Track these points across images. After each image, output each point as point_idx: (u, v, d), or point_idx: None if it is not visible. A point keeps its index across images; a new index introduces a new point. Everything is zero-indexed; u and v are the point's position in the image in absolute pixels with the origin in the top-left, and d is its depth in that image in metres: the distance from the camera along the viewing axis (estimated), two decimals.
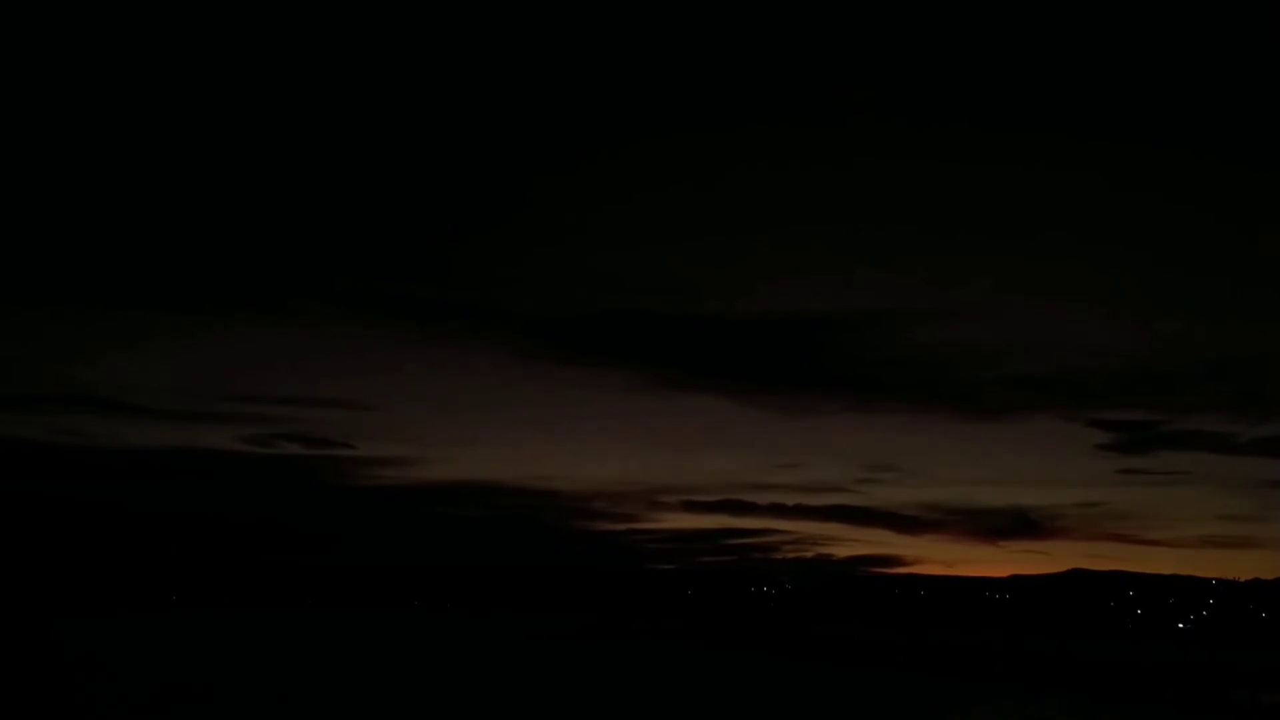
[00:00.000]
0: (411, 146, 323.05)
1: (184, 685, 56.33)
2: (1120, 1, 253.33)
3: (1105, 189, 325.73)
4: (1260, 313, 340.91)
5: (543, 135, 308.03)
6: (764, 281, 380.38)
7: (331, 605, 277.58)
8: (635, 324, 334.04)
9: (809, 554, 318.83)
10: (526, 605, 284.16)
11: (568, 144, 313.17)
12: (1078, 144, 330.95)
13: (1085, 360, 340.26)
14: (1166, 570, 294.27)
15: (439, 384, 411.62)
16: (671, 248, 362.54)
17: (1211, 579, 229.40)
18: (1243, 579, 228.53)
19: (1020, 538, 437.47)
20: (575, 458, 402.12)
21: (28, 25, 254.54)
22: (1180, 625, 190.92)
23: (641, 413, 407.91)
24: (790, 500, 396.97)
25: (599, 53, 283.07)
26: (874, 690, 61.75)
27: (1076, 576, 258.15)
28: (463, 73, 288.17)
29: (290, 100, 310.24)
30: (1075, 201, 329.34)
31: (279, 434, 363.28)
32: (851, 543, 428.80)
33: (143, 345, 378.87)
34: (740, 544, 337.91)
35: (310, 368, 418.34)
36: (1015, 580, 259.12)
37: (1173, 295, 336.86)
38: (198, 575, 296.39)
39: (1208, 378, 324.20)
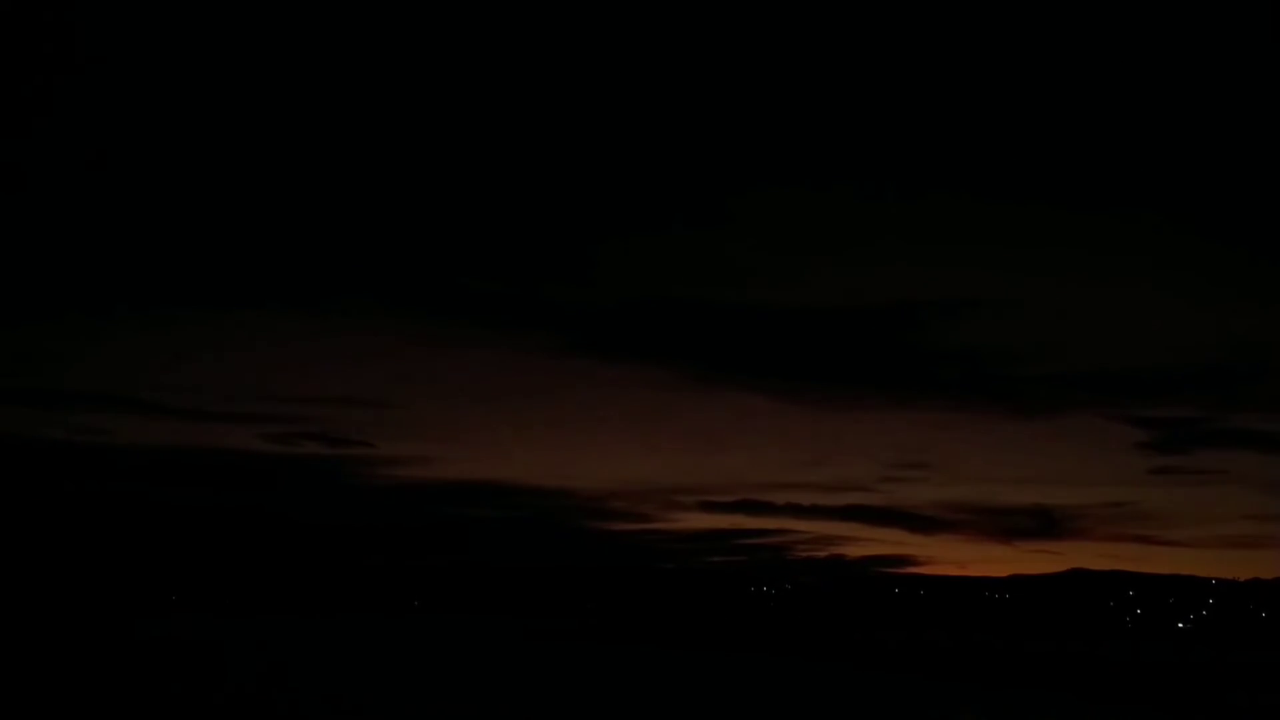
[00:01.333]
0: (431, 145, 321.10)
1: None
2: None
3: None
4: None
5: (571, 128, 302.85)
6: (809, 270, 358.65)
7: (331, 606, 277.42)
8: (666, 314, 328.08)
9: (822, 554, 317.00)
10: (520, 606, 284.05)
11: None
12: None
13: (1139, 356, 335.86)
14: (1183, 570, 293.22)
15: (462, 381, 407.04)
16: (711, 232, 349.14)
17: (1211, 579, 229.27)
18: (1243, 579, 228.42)
19: (1039, 538, 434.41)
20: (597, 456, 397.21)
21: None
22: (1180, 625, 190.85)
23: (670, 410, 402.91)
24: (812, 499, 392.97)
25: (631, 44, 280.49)
26: (866, 691, 61.52)
27: (1076, 576, 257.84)
28: (477, 64, 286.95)
29: (289, 99, 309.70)
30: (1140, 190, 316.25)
31: (300, 432, 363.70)
32: (867, 542, 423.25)
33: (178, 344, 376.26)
34: (751, 544, 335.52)
35: (335, 366, 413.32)
36: (1015, 580, 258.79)
37: (1241, 290, 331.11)
38: (198, 575, 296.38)
39: (1260, 375, 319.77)
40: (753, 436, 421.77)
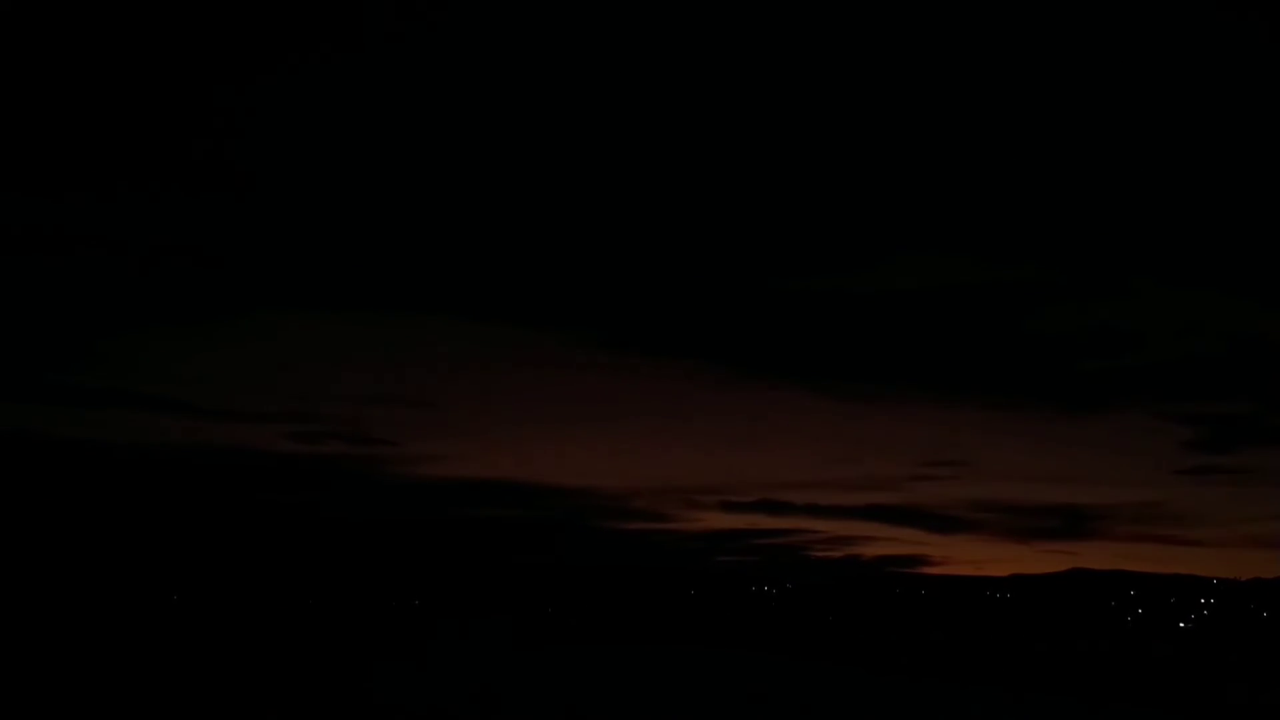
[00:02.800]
0: (452, 145, 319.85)
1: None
2: None
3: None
4: None
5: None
6: (856, 258, 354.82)
7: (329, 606, 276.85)
8: (700, 305, 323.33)
9: (838, 554, 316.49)
10: (513, 606, 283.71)
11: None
12: None
13: (1200, 348, 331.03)
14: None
15: (486, 380, 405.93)
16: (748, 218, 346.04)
17: (1212, 578, 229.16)
18: (1244, 578, 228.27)
19: (1060, 539, 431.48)
20: (623, 455, 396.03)
21: None
22: (1180, 625, 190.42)
23: (700, 407, 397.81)
24: (838, 498, 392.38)
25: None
26: (851, 691, 61.17)
27: (1076, 576, 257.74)
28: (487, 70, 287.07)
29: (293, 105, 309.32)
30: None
31: (325, 431, 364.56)
32: (887, 542, 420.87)
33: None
34: (765, 544, 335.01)
35: (363, 363, 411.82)
36: (1015, 580, 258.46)
37: None
38: (198, 575, 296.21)
39: None
40: (785, 434, 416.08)
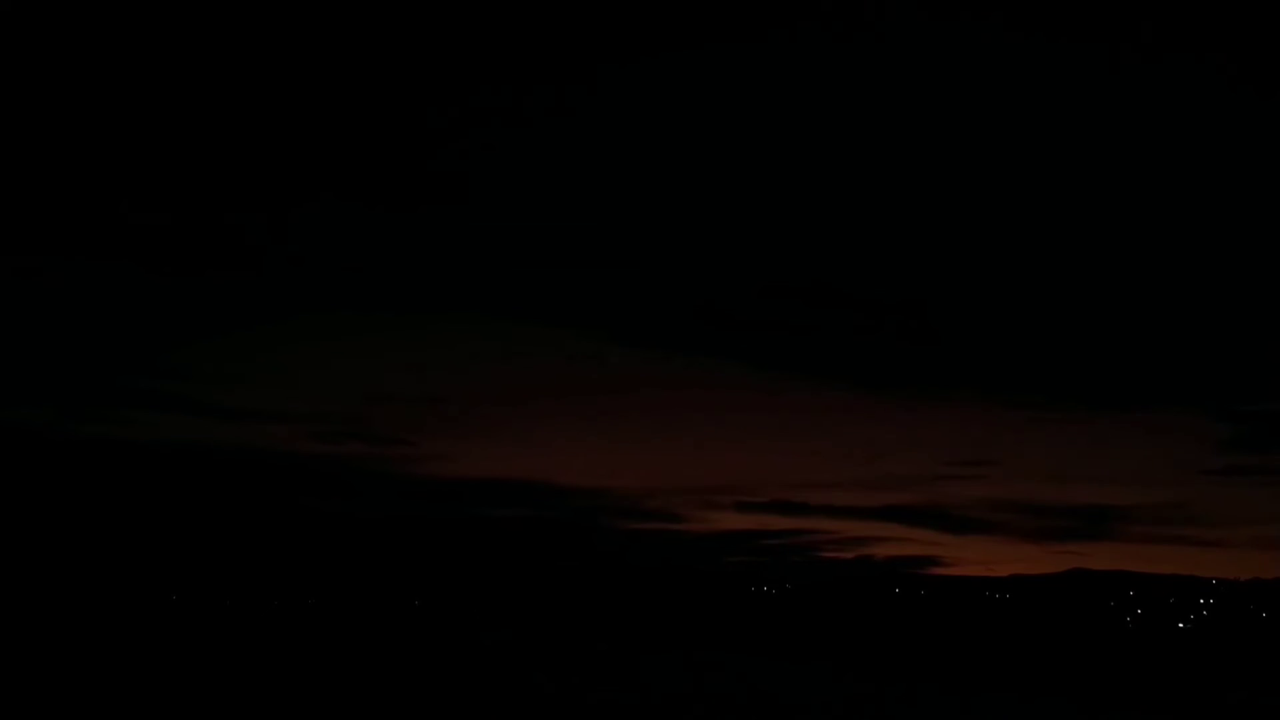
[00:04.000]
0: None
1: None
2: None
3: None
4: None
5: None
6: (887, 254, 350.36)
7: (331, 604, 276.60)
8: (732, 302, 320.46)
9: (849, 555, 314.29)
10: (509, 606, 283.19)
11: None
12: None
13: (1248, 346, 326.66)
14: (1201, 572, 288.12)
15: (511, 378, 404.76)
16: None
17: (1212, 578, 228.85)
18: (1243, 578, 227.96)
19: (1080, 539, 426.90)
20: (641, 455, 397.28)
21: None
22: (1180, 625, 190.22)
23: (722, 406, 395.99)
24: (853, 499, 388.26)
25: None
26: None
27: (1076, 576, 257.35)
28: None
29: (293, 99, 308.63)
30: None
31: (344, 431, 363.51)
32: (901, 542, 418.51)
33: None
34: (775, 545, 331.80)
35: (384, 364, 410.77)
36: (1014, 580, 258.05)
37: None
38: (199, 575, 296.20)
39: None
40: (806, 433, 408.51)
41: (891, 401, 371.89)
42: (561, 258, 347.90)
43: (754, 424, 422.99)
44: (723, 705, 51.18)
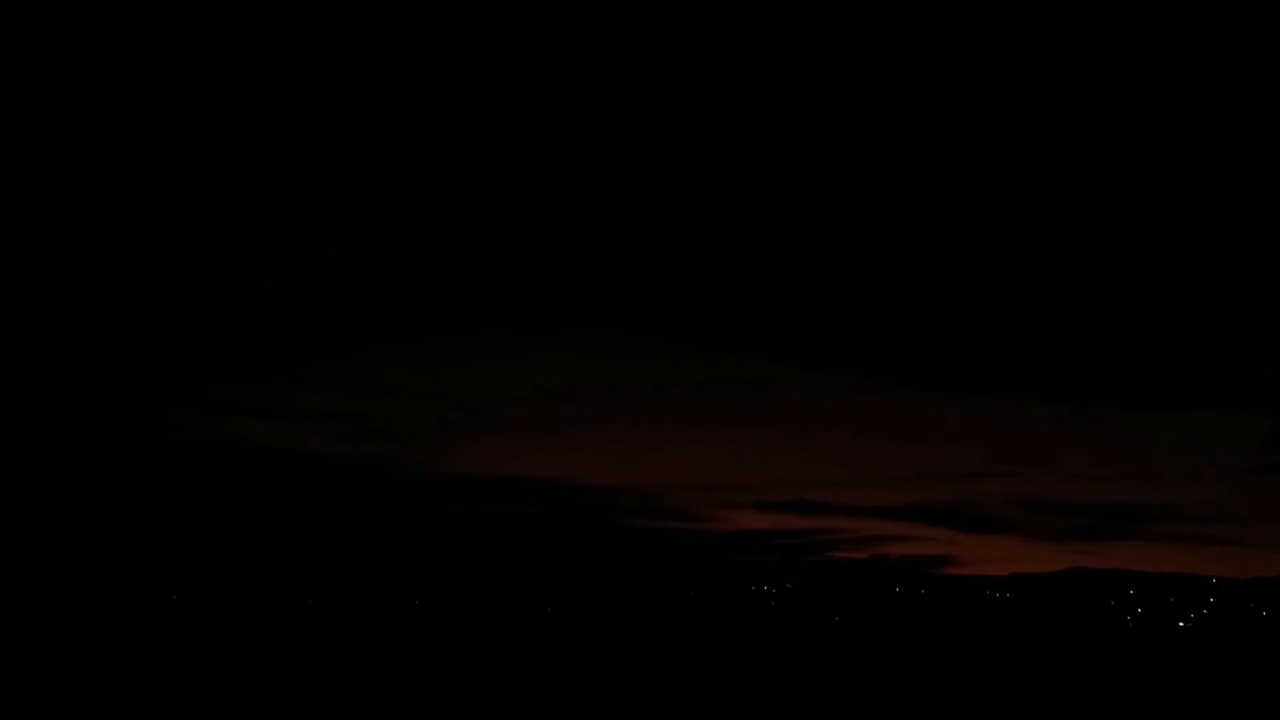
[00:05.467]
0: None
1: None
2: None
3: None
4: None
5: None
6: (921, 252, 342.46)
7: (331, 604, 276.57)
8: (763, 291, 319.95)
9: (863, 554, 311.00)
10: (508, 607, 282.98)
11: None
12: None
13: None
14: (1201, 571, 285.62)
15: (539, 380, 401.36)
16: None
17: (1212, 577, 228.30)
18: (1243, 577, 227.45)
19: (1101, 539, 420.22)
20: (668, 454, 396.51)
21: None
22: (1180, 624, 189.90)
23: (747, 405, 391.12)
24: (877, 499, 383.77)
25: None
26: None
27: (1076, 575, 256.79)
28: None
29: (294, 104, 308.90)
30: None
31: (369, 430, 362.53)
32: (919, 541, 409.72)
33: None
34: (790, 544, 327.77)
35: (408, 363, 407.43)
36: (1014, 579, 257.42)
37: None
38: (201, 575, 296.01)
39: None
40: (831, 432, 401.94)
41: (922, 399, 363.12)
42: (567, 258, 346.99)
43: (778, 422, 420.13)
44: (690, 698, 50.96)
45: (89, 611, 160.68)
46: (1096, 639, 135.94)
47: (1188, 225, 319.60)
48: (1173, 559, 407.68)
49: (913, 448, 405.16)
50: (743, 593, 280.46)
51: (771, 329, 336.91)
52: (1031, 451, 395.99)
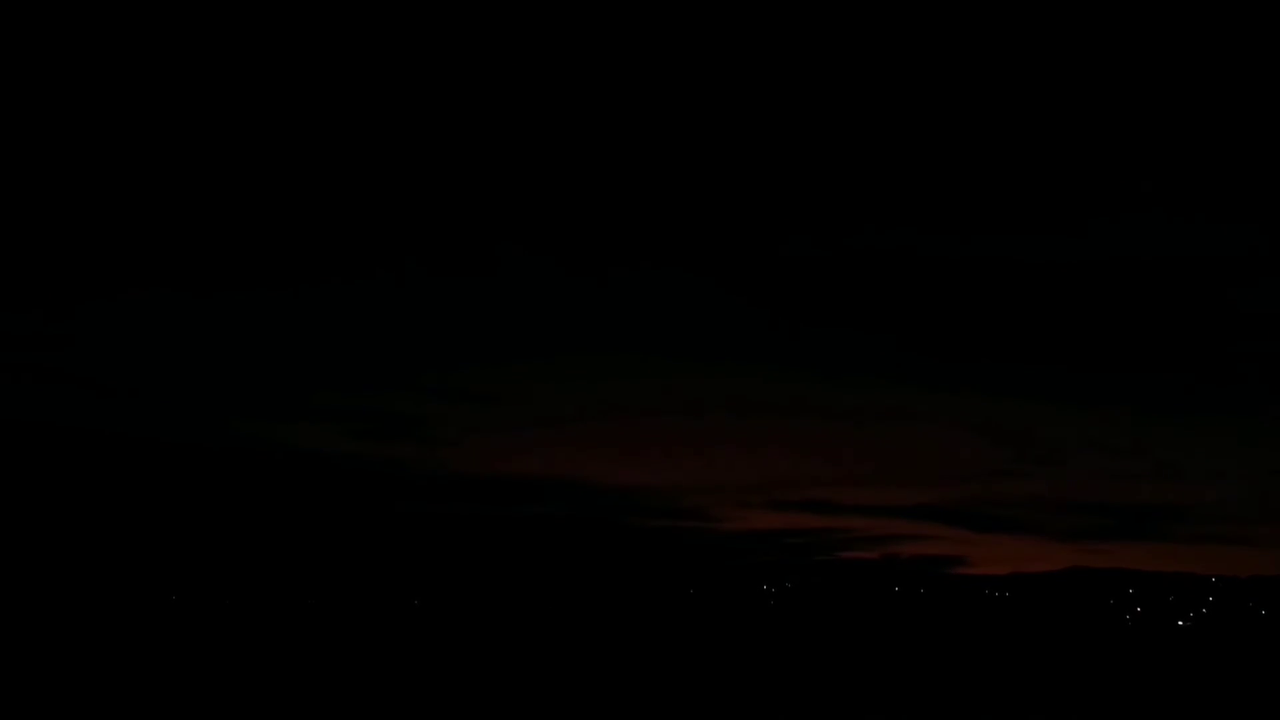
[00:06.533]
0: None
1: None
2: None
3: None
4: None
5: None
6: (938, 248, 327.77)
7: (331, 605, 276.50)
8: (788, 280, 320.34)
9: (873, 554, 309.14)
10: (505, 607, 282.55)
11: None
12: None
13: None
14: (1201, 570, 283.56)
15: (552, 376, 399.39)
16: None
17: (1212, 576, 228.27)
18: (1243, 576, 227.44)
19: (1118, 539, 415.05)
20: (685, 453, 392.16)
21: None
22: (1180, 623, 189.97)
23: (759, 405, 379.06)
24: (889, 498, 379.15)
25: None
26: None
27: (1076, 575, 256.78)
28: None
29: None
30: None
31: (387, 429, 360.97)
32: (931, 541, 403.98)
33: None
34: (799, 544, 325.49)
35: (428, 360, 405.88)
36: (1014, 579, 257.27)
37: None
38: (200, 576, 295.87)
39: None
40: (847, 431, 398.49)
41: (942, 397, 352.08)
42: (575, 257, 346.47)
43: (791, 421, 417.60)
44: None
45: (85, 611, 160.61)
46: (1096, 638, 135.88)
47: None
48: (1173, 558, 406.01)
49: (931, 449, 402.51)
50: (754, 591, 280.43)
51: (787, 328, 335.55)
52: (1054, 452, 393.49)
